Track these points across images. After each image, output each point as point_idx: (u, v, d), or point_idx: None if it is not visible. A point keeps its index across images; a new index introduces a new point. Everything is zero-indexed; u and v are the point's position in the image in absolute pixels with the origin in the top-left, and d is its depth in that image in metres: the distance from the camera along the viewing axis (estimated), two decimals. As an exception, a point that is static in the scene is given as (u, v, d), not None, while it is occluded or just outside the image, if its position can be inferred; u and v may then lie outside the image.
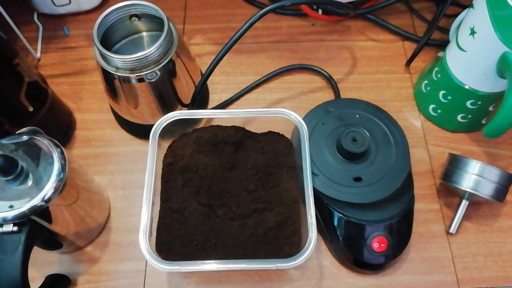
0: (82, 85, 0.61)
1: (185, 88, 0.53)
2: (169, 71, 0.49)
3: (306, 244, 0.42)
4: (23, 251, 0.39)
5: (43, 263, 0.49)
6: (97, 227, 0.51)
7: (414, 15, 0.66)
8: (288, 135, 0.51)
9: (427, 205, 0.53)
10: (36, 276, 0.48)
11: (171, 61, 0.48)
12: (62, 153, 0.42)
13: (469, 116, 0.54)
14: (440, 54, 0.55)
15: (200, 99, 0.56)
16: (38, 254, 0.49)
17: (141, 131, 0.56)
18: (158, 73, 0.47)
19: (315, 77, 0.62)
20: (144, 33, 0.54)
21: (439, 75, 0.54)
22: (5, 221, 0.39)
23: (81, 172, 0.47)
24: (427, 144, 0.56)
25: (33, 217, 0.40)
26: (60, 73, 0.62)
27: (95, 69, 0.52)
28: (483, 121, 0.55)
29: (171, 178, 0.48)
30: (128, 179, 0.54)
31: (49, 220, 0.42)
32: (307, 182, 0.45)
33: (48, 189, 0.40)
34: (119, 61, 0.46)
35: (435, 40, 0.61)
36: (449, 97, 0.53)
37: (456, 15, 0.52)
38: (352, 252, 0.47)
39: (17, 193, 0.40)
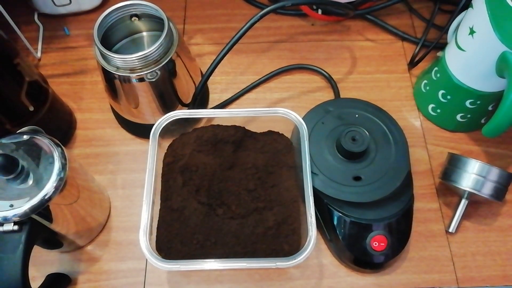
0: (83, 84, 0.61)
1: (185, 88, 0.53)
2: (169, 71, 0.49)
3: (306, 243, 0.42)
4: (23, 250, 0.39)
5: (44, 262, 0.50)
6: (98, 226, 0.51)
7: (413, 15, 0.66)
8: (288, 134, 0.51)
9: (426, 204, 0.53)
10: (36, 275, 0.48)
11: (171, 61, 0.48)
12: (62, 152, 0.42)
13: (469, 116, 0.54)
14: (440, 54, 0.55)
15: (200, 99, 0.56)
16: (38, 253, 0.49)
17: (141, 131, 0.56)
18: (158, 72, 0.47)
19: (315, 77, 0.62)
20: (144, 33, 0.54)
21: (438, 75, 0.54)
22: (6, 220, 0.39)
23: (82, 171, 0.47)
24: (426, 144, 0.56)
25: (34, 216, 0.40)
26: (60, 72, 0.62)
27: (96, 69, 0.52)
28: (482, 121, 0.55)
29: (171, 177, 0.48)
30: (129, 178, 0.55)
31: (50, 219, 0.42)
32: (306, 181, 0.45)
33: (48, 188, 0.40)
34: (120, 60, 0.46)
35: (434, 40, 0.61)
36: (449, 97, 0.53)
37: (454, 13, 0.52)
38: (351, 251, 0.47)
39: (18, 192, 0.40)
